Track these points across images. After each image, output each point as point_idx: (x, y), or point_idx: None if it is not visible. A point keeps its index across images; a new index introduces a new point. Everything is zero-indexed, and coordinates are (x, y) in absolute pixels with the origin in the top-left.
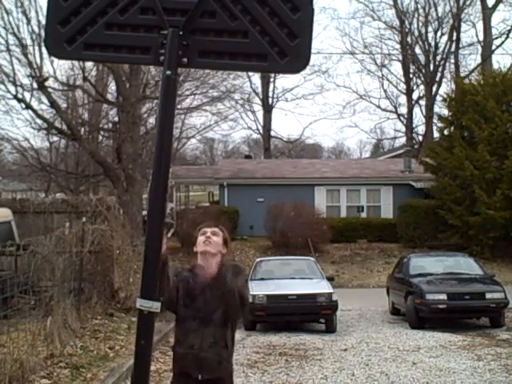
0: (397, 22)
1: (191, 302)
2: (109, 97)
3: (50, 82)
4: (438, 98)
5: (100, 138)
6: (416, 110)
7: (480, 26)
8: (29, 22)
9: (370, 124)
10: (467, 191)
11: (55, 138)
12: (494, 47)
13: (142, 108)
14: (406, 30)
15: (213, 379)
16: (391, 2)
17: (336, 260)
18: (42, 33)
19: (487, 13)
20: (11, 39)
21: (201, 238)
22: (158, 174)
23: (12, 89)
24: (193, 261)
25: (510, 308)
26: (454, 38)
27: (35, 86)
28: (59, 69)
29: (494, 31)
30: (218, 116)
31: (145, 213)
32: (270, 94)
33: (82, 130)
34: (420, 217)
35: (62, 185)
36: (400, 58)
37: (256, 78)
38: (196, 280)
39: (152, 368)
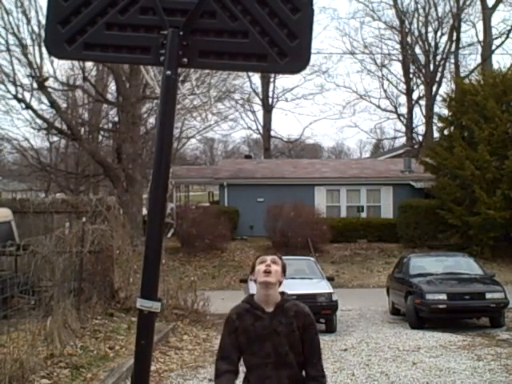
0: (397, 22)
1: (259, 347)
2: (109, 97)
3: (50, 82)
4: (438, 98)
5: (100, 138)
6: (416, 109)
7: (480, 25)
8: (29, 22)
9: (370, 124)
10: (467, 191)
11: (55, 138)
12: (494, 47)
13: (141, 108)
14: (406, 30)
15: None
16: (391, 2)
17: (336, 260)
18: (42, 33)
19: (487, 13)
20: (11, 39)
21: (260, 267)
22: (157, 173)
23: (12, 89)
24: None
25: (510, 308)
26: (454, 38)
27: (35, 85)
28: (59, 69)
29: (494, 31)
30: (218, 116)
31: (145, 213)
32: (270, 94)
33: (82, 130)
34: (420, 217)
35: (62, 185)
36: (400, 58)
37: (256, 78)
38: (257, 323)
39: (152, 368)
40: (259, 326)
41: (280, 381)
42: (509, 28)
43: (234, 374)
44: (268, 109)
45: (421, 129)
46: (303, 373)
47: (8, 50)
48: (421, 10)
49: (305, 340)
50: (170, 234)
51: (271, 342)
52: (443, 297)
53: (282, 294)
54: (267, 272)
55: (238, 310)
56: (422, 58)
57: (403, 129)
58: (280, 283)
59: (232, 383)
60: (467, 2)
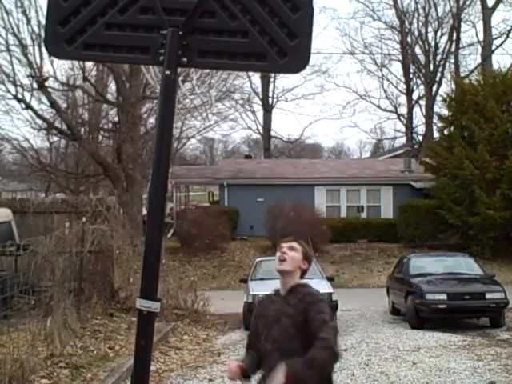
0: (397, 22)
1: (268, 332)
2: (109, 97)
3: (50, 82)
4: (438, 98)
5: (100, 138)
6: (416, 109)
7: (480, 26)
8: (29, 22)
9: (370, 124)
10: (467, 191)
11: (55, 138)
12: (494, 47)
13: (142, 108)
14: (406, 30)
15: None
16: (391, 2)
17: (336, 260)
18: (42, 33)
19: (487, 13)
20: (11, 39)
21: (277, 255)
22: (157, 174)
23: (12, 89)
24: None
25: (510, 308)
26: (454, 38)
27: (35, 85)
28: (59, 69)
29: (494, 31)
30: (218, 116)
31: (145, 213)
32: (270, 94)
33: (82, 130)
34: (420, 217)
35: (62, 185)
36: (400, 58)
37: (256, 77)
38: (271, 306)
39: (152, 368)
40: (272, 308)
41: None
42: (509, 28)
43: (254, 357)
44: (268, 109)
45: (421, 129)
46: None
47: (8, 50)
48: (421, 10)
49: (308, 320)
50: (170, 234)
51: (279, 325)
52: (443, 297)
53: (306, 284)
54: (281, 260)
55: (263, 296)
56: (422, 58)
57: (403, 129)
58: (303, 271)
59: (252, 359)
60: (467, 2)
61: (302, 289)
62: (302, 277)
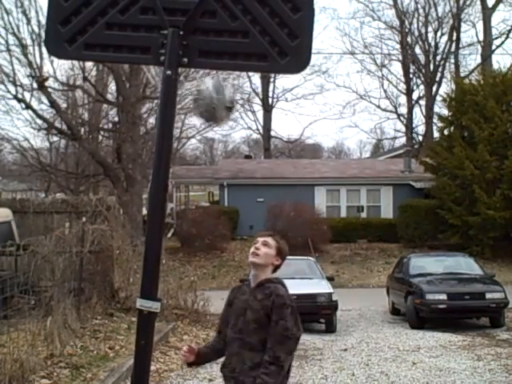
0: (397, 22)
1: (235, 321)
2: (109, 97)
3: (50, 82)
4: (438, 98)
5: (100, 138)
6: (416, 109)
7: (480, 26)
8: (29, 22)
9: (370, 124)
10: (467, 191)
11: (55, 138)
12: (494, 47)
13: (141, 108)
14: (406, 30)
15: None
16: (391, 2)
17: (336, 260)
18: (42, 33)
19: (487, 13)
20: (11, 39)
21: (251, 249)
22: (157, 174)
23: (12, 89)
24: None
25: (510, 308)
26: (454, 38)
27: (35, 85)
28: (59, 69)
29: (494, 31)
30: None
31: (145, 213)
32: (270, 94)
33: (82, 130)
34: (420, 217)
35: (62, 185)
36: (400, 58)
37: (256, 78)
38: (240, 297)
39: (152, 368)
40: (241, 299)
41: (243, 361)
42: (509, 28)
43: (219, 343)
44: (268, 109)
45: (421, 129)
46: None
47: (8, 50)
48: (421, 10)
49: (270, 321)
50: (170, 234)
51: (244, 317)
52: (443, 297)
53: (275, 279)
54: (255, 254)
55: (237, 285)
56: (422, 58)
57: (403, 129)
58: (275, 266)
59: (214, 344)
60: (467, 2)
61: (270, 284)
62: (274, 271)
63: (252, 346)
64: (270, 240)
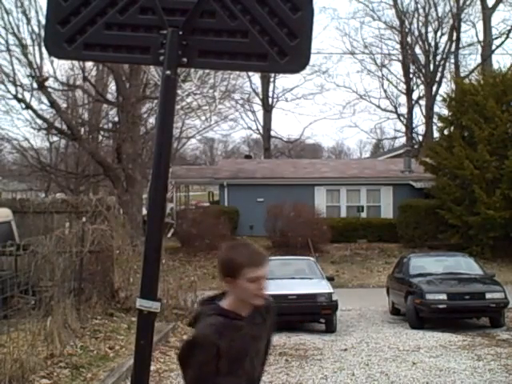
0: (397, 22)
1: (238, 367)
2: (109, 97)
3: (50, 82)
4: (438, 97)
5: (100, 138)
6: (416, 109)
7: (480, 26)
8: (29, 22)
9: (370, 124)
10: (467, 191)
11: (55, 138)
12: (494, 47)
13: (141, 108)
14: (406, 30)
15: None
16: (391, 2)
17: (336, 260)
18: (42, 33)
19: (487, 13)
20: (11, 39)
21: (254, 287)
22: (157, 174)
23: (12, 89)
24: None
25: (510, 308)
26: (454, 37)
27: (35, 86)
28: (59, 69)
29: (494, 31)
30: (218, 116)
31: (145, 213)
32: (270, 93)
33: (82, 130)
34: (420, 217)
35: (62, 185)
36: (400, 58)
37: (256, 77)
38: (237, 336)
39: (152, 368)
40: (239, 337)
41: None
42: (509, 28)
43: None
44: (268, 109)
45: (421, 129)
46: None
47: (8, 50)
48: (421, 10)
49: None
50: (170, 234)
51: (249, 354)
52: (443, 297)
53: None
54: (262, 296)
55: (215, 327)
56: (422, 58)
57: (403, 129)
58: None
59: None
60: (467, 2)
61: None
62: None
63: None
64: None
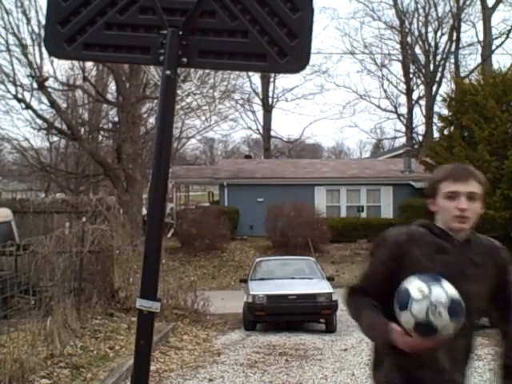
0: (397, 22)
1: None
2: (109, 97)
3: (50, 82)
4: (438, 98)
5: (100, 137)
6: (416, 109)
7: (480, 26)
8: (29, 22)
9: (370, 124)
10: None
11: (55, 138)
12: (494, 47)
13: (141, 108)
14: (406, 30)
15: None
16: (391, 2)
17: (336, 260)
18: (42, 33)
19: (487, 13)
20: (11, 39)
21: (450, 205)
22: (157, 174)
23: (12, 89)
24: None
25: None
26: (454, 37)
27: (35, 85)
28: (59, 69)
29: (494, 31)
30: (218, 116)
31: (145, 213)
32: (270, 93)
33: (82, 130)
34: (420, 217)
35: (62, 185)
36: (400, 58)
37: (256, 77)
38: (437, 257)
39: (152, 368)
40: (438, 259)
41: (454, 354)
42: (509, 28)
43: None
44: (268, 109)
45: (421, 129)
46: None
47: (8, 50)
48: (421, 10)
49: (499, 288)
50: (170, 234)
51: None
52: None
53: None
54: (462, 218)
55: (410, 232)
56: (422, 58)
57: (403, 129)
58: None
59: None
60: (467, 2)
61: (483, 237)
62: None
63: (471, 328)
64: (474, 191)
